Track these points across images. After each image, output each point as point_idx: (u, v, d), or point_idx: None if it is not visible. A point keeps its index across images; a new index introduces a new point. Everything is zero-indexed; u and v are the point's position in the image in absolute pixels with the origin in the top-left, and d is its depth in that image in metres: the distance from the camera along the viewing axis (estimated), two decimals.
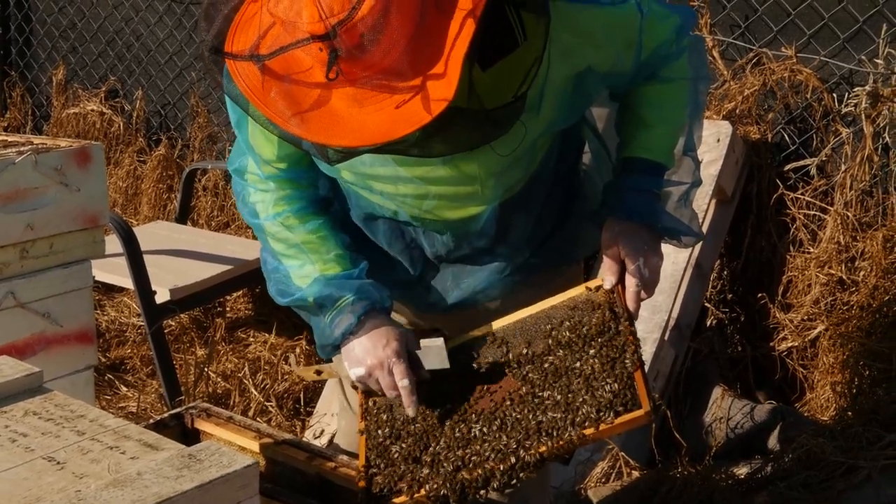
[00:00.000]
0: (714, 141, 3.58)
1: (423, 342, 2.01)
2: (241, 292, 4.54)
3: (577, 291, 2.05)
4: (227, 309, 4.57)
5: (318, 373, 2.19)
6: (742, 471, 3.14)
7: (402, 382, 1.96)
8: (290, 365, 2.18)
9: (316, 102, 1.62)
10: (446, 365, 1.99)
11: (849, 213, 3.52)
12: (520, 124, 1.78)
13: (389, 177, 1.96)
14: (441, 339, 2.00)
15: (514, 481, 1.85)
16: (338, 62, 1.55)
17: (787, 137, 3.76)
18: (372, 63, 1.57)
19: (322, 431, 3.55)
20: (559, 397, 1.87)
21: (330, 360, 2.24)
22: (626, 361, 1.87)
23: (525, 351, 1.98)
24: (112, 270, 3.83)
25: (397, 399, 1.99)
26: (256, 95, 1.64)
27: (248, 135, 2.04)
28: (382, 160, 1.92)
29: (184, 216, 4.77)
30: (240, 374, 4.00)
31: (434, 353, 1.99)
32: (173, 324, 4.40)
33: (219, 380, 4.03)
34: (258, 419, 3.77)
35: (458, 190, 1.99)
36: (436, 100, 1.58)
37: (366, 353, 1.98)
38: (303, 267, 2.08)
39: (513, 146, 1.89)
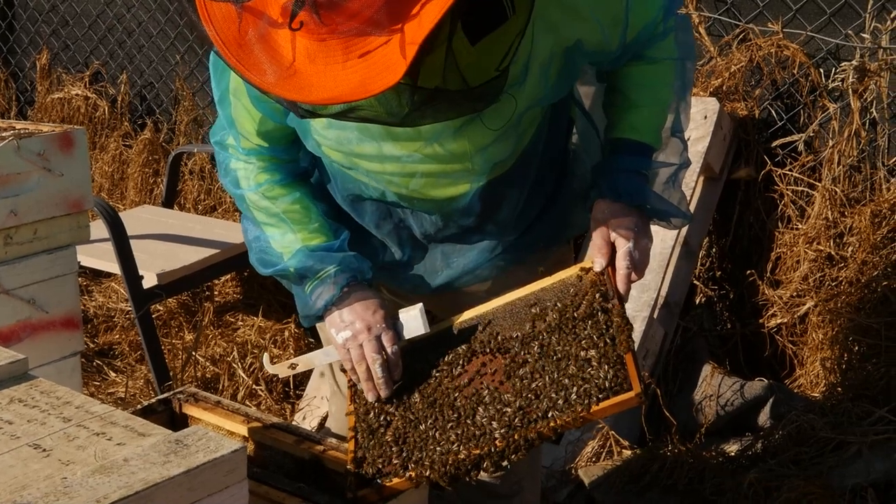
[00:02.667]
0: (701, 118, 3.57)
1: (401, 312, 2.03)
2: (228, 276, 4.52)
3: (567, 274, 2.04)
4: (216, 293, 4.55)
5: (293, 367, 2.16)
6: (732, 448, 3.15)
7: (393, 349, 1.98)
8: (264, 363, 2.15)
9: (291, 56, 1.51)
10: (427, 329, 2.01)
11: (837, 189, 3.52)
12: (509, 97, 1.76)
13: (375, 155, 1.94)
14: (420, 305, 2.03)
15: (505, 463, 1.84)
16: (318, 11, 1.45)
17: (774, 113, 3.75)
18: (353, 13, 1.46)
19: (311, 415, 3.55)
20: (549, 379, 1.87)
21: (310, 331, 2.22)
22: (617, 344, 1.86)
23: (514, 333, 1.97)
24: (99, 256, 3.81)
25: (377, 366, 1.97)
26: (228, 46, 1.53)
27: (230, 110, 2.03)
28: (369, 137, 1.90)
29: (170, 200, 4.74)
30: (228, 359, 4.00)
31: (413, 320, 2.01)
32: (161, 308, 4.38)
33: (208, 364, 4.02)
34: (247, 403, 3.76)
35: (446, 167, 1.97)
36: (409, 43, 1.47)
37: (354, 317, 2.00)
38: (284, 236, 2.09)
39: (504, 119, 1.88)
